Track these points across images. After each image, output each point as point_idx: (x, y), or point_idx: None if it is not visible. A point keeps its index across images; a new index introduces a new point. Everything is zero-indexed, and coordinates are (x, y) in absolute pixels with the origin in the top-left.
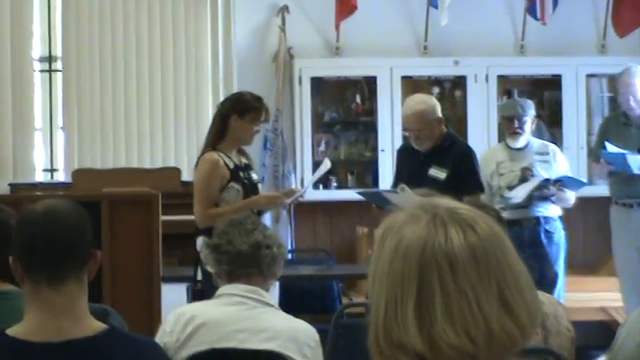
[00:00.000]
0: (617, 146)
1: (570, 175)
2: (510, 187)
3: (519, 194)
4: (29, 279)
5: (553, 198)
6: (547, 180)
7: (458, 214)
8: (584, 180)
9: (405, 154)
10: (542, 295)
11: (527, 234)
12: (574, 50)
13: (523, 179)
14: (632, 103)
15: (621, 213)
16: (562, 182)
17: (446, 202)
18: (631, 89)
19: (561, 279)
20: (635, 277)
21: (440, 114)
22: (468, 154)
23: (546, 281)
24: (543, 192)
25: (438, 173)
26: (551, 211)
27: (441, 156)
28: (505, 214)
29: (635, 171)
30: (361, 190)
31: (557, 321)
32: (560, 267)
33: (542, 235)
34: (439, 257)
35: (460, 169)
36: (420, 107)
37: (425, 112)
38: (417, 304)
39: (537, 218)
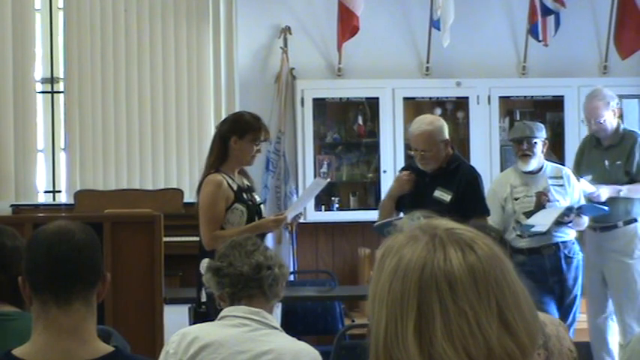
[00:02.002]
0: (588, 169)
1: (584, 200)
2: (527, 213)
3: (544, 222)
4: (37, 299)
5: (570, 224)
6: (570, 208)
7: (457, 235)
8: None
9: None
10: (544, 316)
11: (548, 262)
12: (576, 72)
13: (539, 204)
14: (594, 126)
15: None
16: (582, 209)
17: (445, 222)
18: (592, 113)
19: (578, 300)
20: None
21: (447, 136)
22: (474, 178)
23: (566, 304)
24: (564, 219)
25: (443, 195)
26: (567, 234)
27: (446, 178)
28: (524, 242)
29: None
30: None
31: (560, 342)
32: (578, 289)
33: (563, 261)
34: (438, 277)
35: (465, 192)
36: (428, 128)
37: (433, 133)
38: (417, 323)
39: (557, 244)
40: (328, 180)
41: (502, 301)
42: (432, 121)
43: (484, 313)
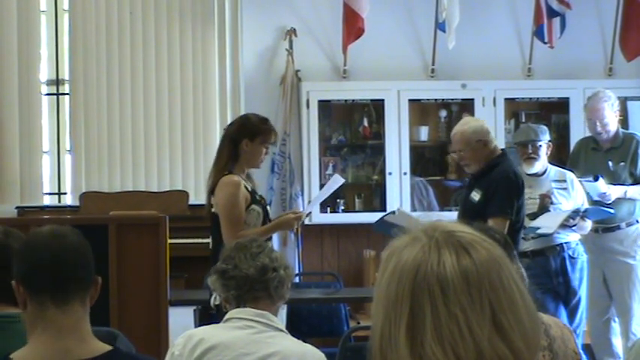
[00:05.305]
0: (587, 171)
1: (588, 203)
2: (530, 215)
3: (549, 225)
4: (35, 300)
5: (575, 227)
6: (577, 211)
7: (455, 237)
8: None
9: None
10: (548, 319)
11: (553, 263)
12: (581, 73)
13: (542, 207)
14: (599, 128)
15: None
16: (587, 212)
17: (447, 224)
18: (597, 114)
19: (584, 303)
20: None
21: (486, 137)
22: (500, 178)
23: (571, 306)
24: (568, 222)
25: (475, 196)
26: (571, 235)
27: (482, 179)
28: (527, 245)
29: (595, 197)
30: (375, 222)
31: (565, 344)
32: (583, 291)
33: (568, 262)
34: (430, 280)
35: (490, 191)
36: (462, 128)
37: (466, 132)
38: (409, 326)
39: (560, 245)
40: (344, 180)
41: (496, 304)
42: (469, 121)
43: (475, 317)
